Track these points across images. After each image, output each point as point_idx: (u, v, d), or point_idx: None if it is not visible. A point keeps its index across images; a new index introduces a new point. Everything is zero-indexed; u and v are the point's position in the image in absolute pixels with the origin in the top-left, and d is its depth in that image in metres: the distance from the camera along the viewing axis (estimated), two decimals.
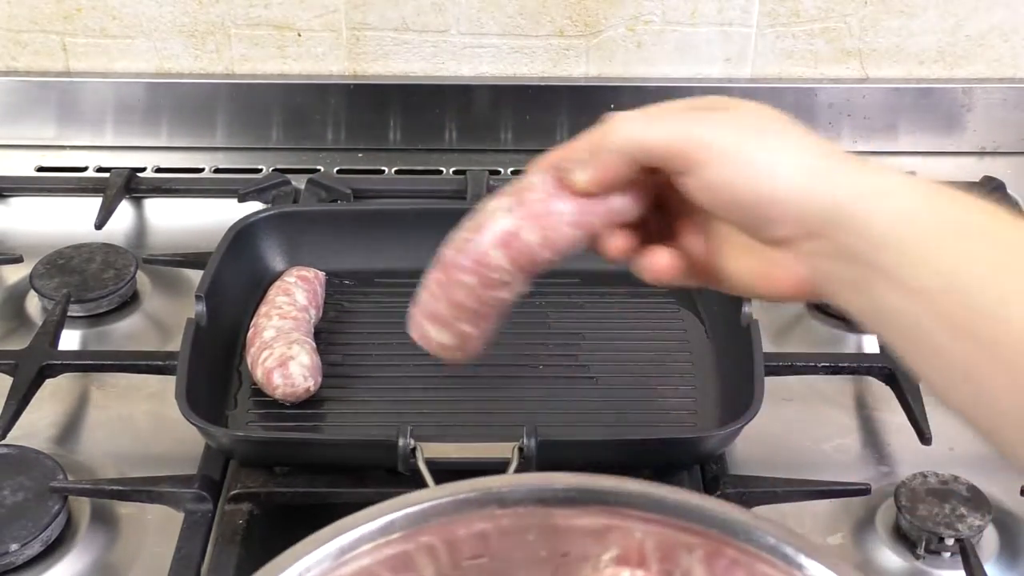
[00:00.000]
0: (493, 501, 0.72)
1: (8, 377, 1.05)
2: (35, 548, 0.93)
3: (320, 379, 1.04)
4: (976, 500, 0.96)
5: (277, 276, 1.14)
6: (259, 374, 1.03)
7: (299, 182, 1.33)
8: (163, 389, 1.04)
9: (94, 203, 1.29)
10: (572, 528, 0.73)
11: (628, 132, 0.69)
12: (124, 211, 1.31)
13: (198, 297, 1.06)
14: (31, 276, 1.19)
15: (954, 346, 0.60)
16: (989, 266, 0.59)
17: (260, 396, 1.05)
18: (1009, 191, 1.33)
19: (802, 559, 0.69)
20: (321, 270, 1.15)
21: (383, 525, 0.71)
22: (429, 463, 0.92)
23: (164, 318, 1.20)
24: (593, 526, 0.73)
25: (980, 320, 0.58)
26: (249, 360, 1.04)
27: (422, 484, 0.90)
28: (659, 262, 0.73)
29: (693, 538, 0.71)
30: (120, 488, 0.97)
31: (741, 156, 0.65)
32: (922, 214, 0.62)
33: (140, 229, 1.32)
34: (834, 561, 0.69)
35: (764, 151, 0.65)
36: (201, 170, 1.38)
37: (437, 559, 0.73)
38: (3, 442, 1.00)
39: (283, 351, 1.03)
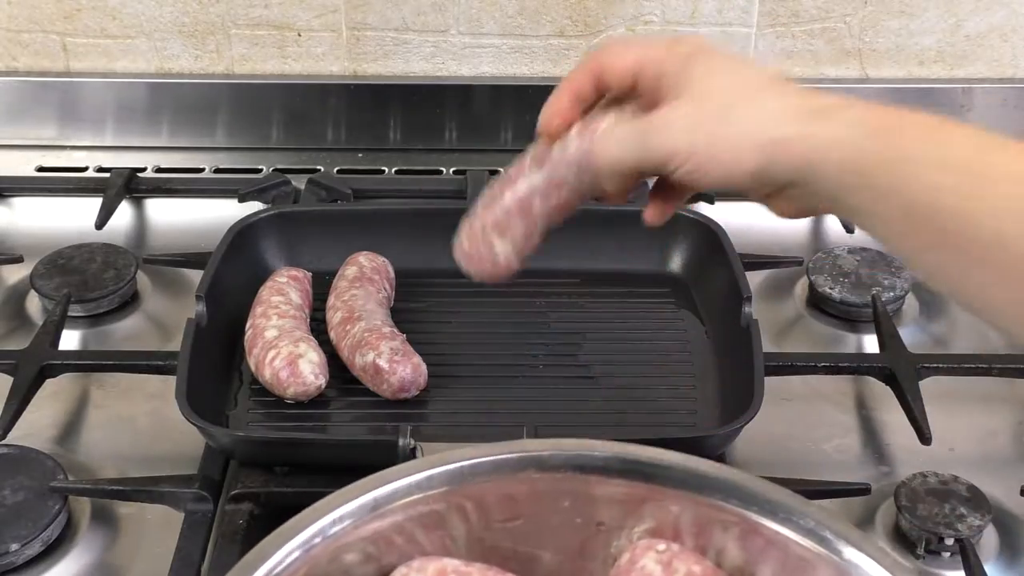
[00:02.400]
0: (532, 464, 0.71)
1: (8, 377, 1.05)
2: (35, 548, 0.93)
3: (328, 376, 1.04)
4: (976, 500, 0.96)
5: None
6: (267, 374, 1.03)
7: (299, 182, 1.33)
8: (163, 389, 1.04)
9: (94, 203, 1.29)
10: (609, 497, 0.72)
11: (611, 159, 0.79)
12: (124, 211, 1.31)
13: (198, 297, 1.06)
14: (31, 276, 1.19)
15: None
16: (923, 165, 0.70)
17: (260, 396, 1.05)
18: None
19: (842, 546, 0.67)
20: (322, 270, 1.15)
21: (420, 480, 0.70)
22: None
23: (164, 318, 1.19)
24: (630, 497, 0.72)
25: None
26: (253, 362, 1.04)
27: None
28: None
29: (729, 516, 0.70)
30: (120, 488, 0.97)
31: (704, 154, 0.74)
32: (870, 149, 0.70)
33: (140, 229, 1.32)
34: (875, 550, 0.67)
35: (725, 140, 0.74)
36: (201, 170, 1.38)
37: (469, 519, 0.72)
38: (3, 442, 1.00)
39: (290, 349, 1.03)
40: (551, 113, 0.82)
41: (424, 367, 1.04)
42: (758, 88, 0.75)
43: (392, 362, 1.02)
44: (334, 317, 1.08)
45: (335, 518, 0.68)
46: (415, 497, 0.70)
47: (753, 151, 0.73)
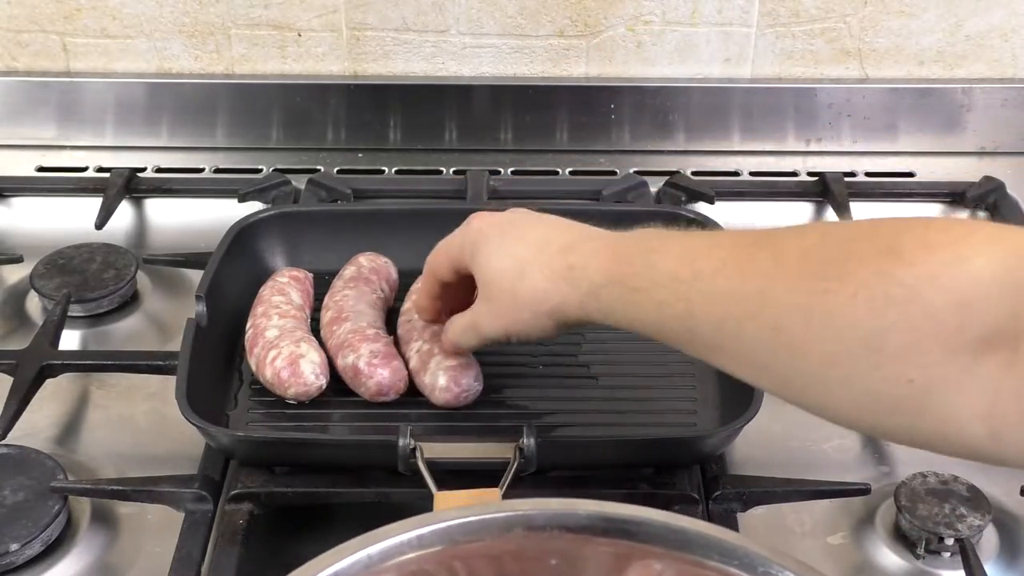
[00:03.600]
0: (519, 524, 0.72)
1: (8, 377, 1.05)
2: (35, 548, 0.93)
3: (329, 376, 1.04)
4: (976, 500, 0.96)
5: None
6: (268, 374, 1.03)
7: (299, 182, 1.33)
8: (163, 389, 1.04)
9: (94, 203, 1.29)
10: (594, 555, 0.73)
11: (462, 345, 1.02)
12: (124, 211, 1.31)
13: (198, 297, 1.06)
14: (31, 276, 1.19)
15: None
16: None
17: (260, 396, 1.05)
18: (1009, 191, 1.33)
19: None
20: (322, 270, 1.15)
21: (411, 539, 0.71)
22: (429, 463, 0.92)
23: (164, 318, 1.20)
24: (614, 554, 0.73)
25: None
26: (254, 361, 1.04)
27: (422, 484, 0.90)
28: None
29: (710, 572, 0.71)
30: (120, 488, 0.97)
31: (519, 331, 0.93)
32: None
33: (140, 229, 1.32)
34: None
35: (525, 318, 0.92)
36: (201, 170, 1.38)
37: None
38: (3, 442, 1.00)
39: (292, 349, 1.02)
40: (421, 311, 1.04)
41: (404, 371, 1.03)
42: (526, 265, 0.90)
43: (370, 365, 1.02)
44: (325, 316, 1.08)
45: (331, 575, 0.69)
46: (407, 556, 0.71)
47: (546, 318, 0.90)
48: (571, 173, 1.38)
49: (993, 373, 0.65)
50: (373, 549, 0.70)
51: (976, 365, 0.66)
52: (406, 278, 1.15)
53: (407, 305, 1.10)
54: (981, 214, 1.33)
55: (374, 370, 1.02)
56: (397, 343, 1.07)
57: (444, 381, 1.01)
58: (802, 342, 0.72)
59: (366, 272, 1.12)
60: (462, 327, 0.98)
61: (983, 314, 0.65)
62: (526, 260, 0.90)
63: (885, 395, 0.69)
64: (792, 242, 0.76)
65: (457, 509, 0.73)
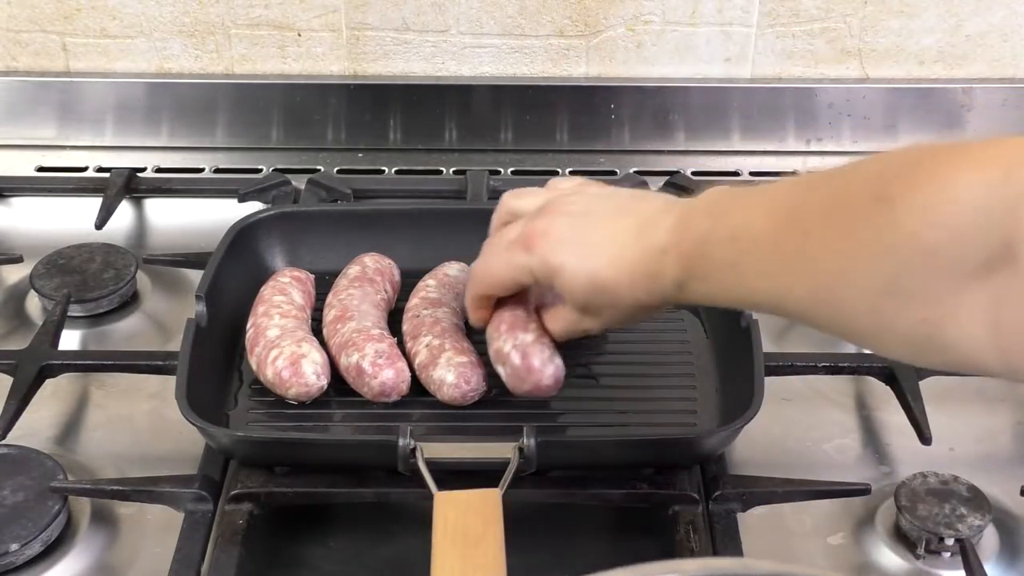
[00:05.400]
0: None
1: (8, 377, 1.05)
2: (35, 548, 0.93)
3: (330, 377, 1.04)
4: (976, 500, 0.96)
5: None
6: (269, 374, 1.03)
7: (299, 182, 1.33)
8: (163, 389, 1.04)
9: (94, 203, 1.29)
10: None
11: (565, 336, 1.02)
12: (124, 211, 1.31)
13: (198, 297, 1.06)
14: (31, 276, 1.19)
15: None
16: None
17: (260, 396, 1.05)
18: None
19: None
20: (322, 270, 1.15)
21: None
22: (429, 463, 0.92)
23: (164, 318, 1.20)
24: None
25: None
26: (255, 361, 1.04)
27: (422, 484, 0.90)
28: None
29: None
30: (120, 488, 0.97)
31: (623, 323, 0.98)
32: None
33: (140, 229, 1.32)
34: None
35: (622, 307, 0.93)
36: (201, 170, 1.38)
37: None
38: (3, 442, 1.00)
39: (293, 349, 1.02)
40: (479, 321, 1.04)
41: (408, 372, 1.03)
42: (614, 283, 0.89)
43: (375, 365, 1.02)
44: (328, 315, 1.08)
45: None
46: None
47: (646, 312, 0.93)
48: (571, 173, 1.38)
49: (995, 290, 0.67)
50: None
51: (981, 290, 0.67)
52: (407, 278, 1.15)
53: (414, 301, 1.10)
54: None
55: (378, 370, 1.02)
56: (401, 340, 1.07)
57: (453, 378, 1.01)
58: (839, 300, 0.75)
59: (371, 272, 1.12)
60: (564, 329, 0.99)
61: (976, 241, 0.66)
62: (610, 279, 0.90)
63: (912, 336, 0.71)
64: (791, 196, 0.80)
65: (621, 570, 0.66)
